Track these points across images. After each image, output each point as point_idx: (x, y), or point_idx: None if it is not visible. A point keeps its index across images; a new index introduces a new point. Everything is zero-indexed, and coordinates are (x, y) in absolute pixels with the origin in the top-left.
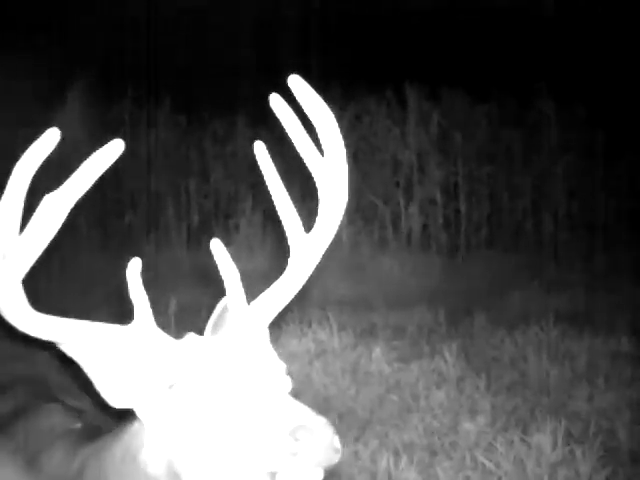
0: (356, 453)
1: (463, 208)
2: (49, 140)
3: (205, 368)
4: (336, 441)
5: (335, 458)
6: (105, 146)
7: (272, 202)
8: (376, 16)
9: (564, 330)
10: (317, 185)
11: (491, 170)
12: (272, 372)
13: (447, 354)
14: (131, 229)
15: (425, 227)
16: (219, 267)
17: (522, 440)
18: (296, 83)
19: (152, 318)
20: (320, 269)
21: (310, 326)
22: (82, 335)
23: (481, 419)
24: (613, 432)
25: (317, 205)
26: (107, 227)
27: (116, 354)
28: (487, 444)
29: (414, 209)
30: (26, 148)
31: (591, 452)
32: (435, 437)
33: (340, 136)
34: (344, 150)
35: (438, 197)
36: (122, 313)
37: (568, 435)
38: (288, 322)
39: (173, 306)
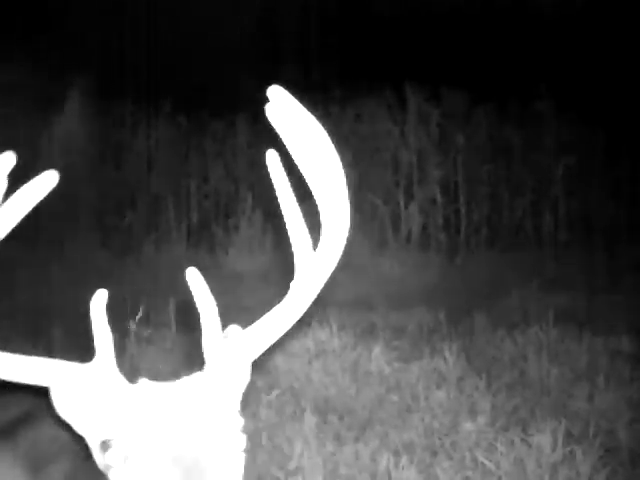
0: (356, 453)
1: (463, 208)
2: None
3: (142, 424)
4: None
5: None
6: (38, 177)
7: (272, 202)
8: (376, 16)
9: (564, 330)
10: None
11: (491, 170)
12: (221, 430)
13: (447, 354)
14: (131, 229)
15: (425, 227)
16: (195, 299)
17: (522, 440)
18: (276, 94)
19: (113, 356)
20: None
21: (310, 326)
22: (38, 374)
23: (481, 419)
24: (613, 432)
25: (315, 206)
26: (107, 227)
27: (75, 394)
28: (487, 444)
29: (414, 209)
30: (26, 147)
31: (591, 452)
32: (435, 437)
33: (332, 146)
34: (339, 162)
35: (438, 197)
36: (123, 313)
37: (568, 435)
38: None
39: (173, 306)
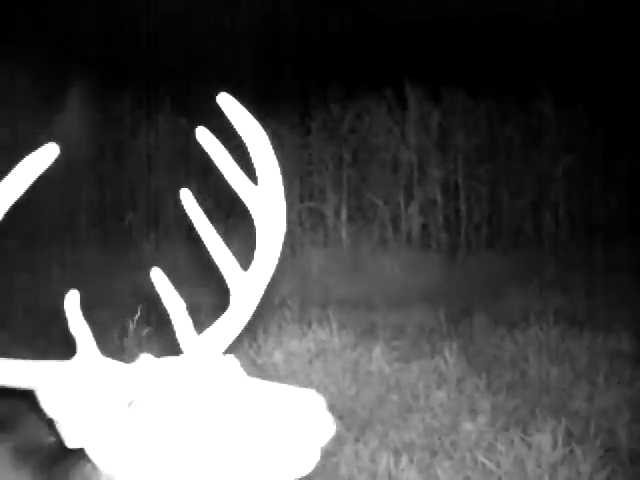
0: (356, 453)
1: (463, 208)
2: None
3: (164, 386)
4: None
5: (327, 428)
6: (39, 150)
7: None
8: (376, 16)
9: (564, 330)
10: (253, 216)
11: (491, 170)
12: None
13: (447, 354)
14: (131, 229)
15: (425, 227)
16: (162, 298)
17: (522, 440)
18: (225, 101)
19: (96, 347)
20: (320, 269)
21: (310, 326)
22: (26, 376)
23: (481, 419)
24: (613, 432)
25: (315, 205)
26: (107, 227)
27: (65, 390)
28: (487, 444)
29: (414, 209)
30: (26, 147)
31: (591, 452)
32: (435, 437)
33: (274, 160)
34: (279, 176)
35: (438, 197)
36: (123, 312)
37: (568, 435)
38: (288, 322)
39: None
